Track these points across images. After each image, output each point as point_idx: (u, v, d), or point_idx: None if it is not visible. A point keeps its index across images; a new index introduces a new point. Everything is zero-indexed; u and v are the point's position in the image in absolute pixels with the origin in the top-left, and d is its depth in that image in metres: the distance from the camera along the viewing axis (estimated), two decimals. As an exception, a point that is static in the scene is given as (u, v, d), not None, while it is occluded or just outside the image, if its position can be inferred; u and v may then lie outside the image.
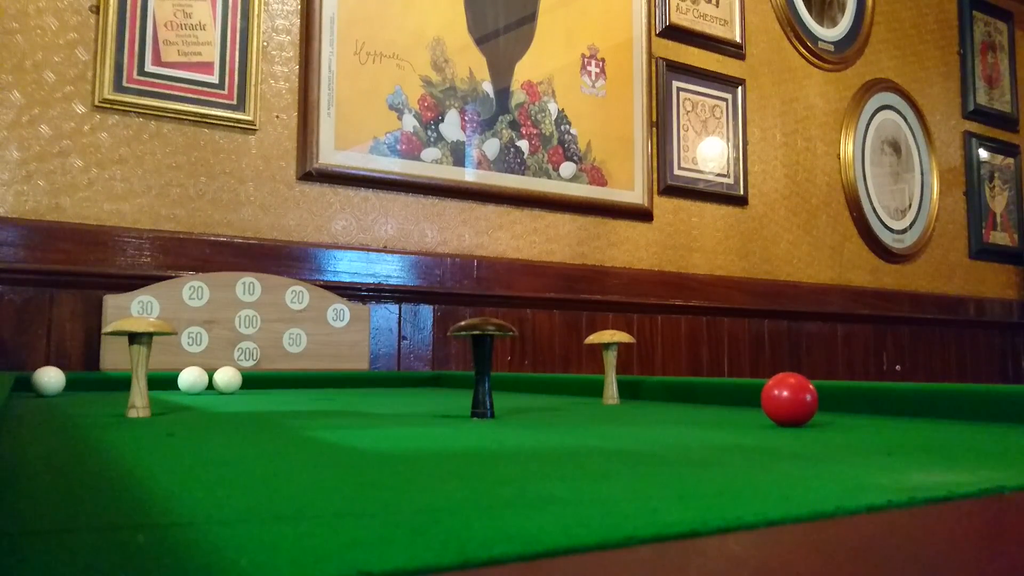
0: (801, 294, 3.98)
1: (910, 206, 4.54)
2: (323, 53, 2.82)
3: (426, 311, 2.97)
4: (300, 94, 2.80)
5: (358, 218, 2.88)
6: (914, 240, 4.51)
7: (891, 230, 4.42)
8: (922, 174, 4.62)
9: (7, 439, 0.83)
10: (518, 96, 3.24)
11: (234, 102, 2.68)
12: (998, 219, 4.98)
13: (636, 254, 3.50)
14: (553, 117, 3.31)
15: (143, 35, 2.56)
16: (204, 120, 2.63)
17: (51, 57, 2.44)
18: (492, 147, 3.16)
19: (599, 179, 3.41)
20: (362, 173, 2.86)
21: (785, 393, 0.95)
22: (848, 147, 4.26)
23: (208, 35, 2.66)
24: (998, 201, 4.99)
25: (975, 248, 4.82)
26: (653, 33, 3.64)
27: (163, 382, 1.97)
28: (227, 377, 1.87)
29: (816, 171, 4.16)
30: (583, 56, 3.42)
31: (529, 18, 3.30)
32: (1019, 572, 0.30)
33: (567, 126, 3.35)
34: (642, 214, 3.52)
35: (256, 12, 2.73)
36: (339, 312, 2.65)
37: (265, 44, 2.77)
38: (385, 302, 2.90)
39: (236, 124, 2.68)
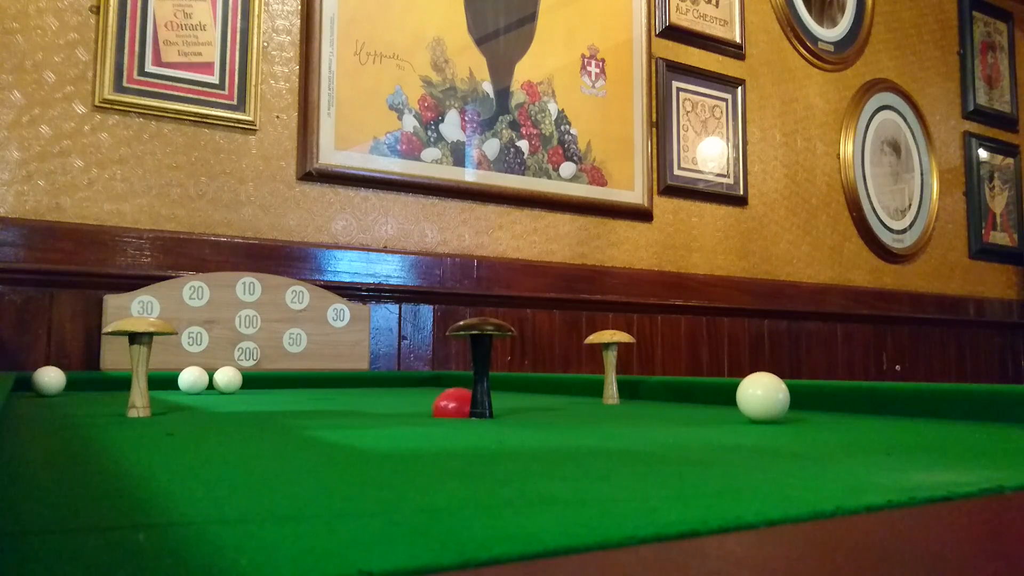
0: (801, 294, 3.98)
1: (910, 206, 4.54)
2: (323, 53, 2.82)
3: (426, 311, 2.97)
4: (300, 94, 2.80)
5: (358, 218, 2.88)
6: (914, 240, 4.51)
7: (891, 230, 4.42)
8: (922, 174, 4.62)
9: (7, 439, 0.83)
10: (518, 96, 3.24)
11: (234, 102, 2.68)
12: (998, 219, 4.98)
13: (636, 254, 3.50)
14: (553, 117, 3.31)
15: (143, 35, 2.56)
16: (204, 120, 2.63)
17: (51, 57, 2.44)
18: (492, 147, 3.16)
19: (599, 179, 3.41)
20: (362, 173, 2.86)
21: (451, 405, 1.16)
22: (848, 147, 4.26)
23: (208, 35, 2.66)
24: (998, 201, 5.00)
25: (975, 248, 4.82)
26: (653, 33, 3.64)
27: (163, 382, 1.97)
28: (227, 377, 1.87)
29: (816, 171, 4.16)
30: (583, 56, 3.42)
31: (529, 18, 3.30)
32: (1019, 572, 0.30)
33: (567, 126, 3.35)
34: (642, 214, 3.52)
35: (256, 12, 2.73)
36: (339, 312, 2.65)
37: (265, 44, 2.77)
38: (385, 302, 2.90)
39: (236, 124, 2.68)
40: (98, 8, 2.50)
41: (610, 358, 1.54)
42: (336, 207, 2.84)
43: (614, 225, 3.45)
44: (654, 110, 3.60)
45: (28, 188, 2.39)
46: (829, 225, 4.17)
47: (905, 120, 4.57)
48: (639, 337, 3.42)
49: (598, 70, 3.45)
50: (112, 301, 2.31)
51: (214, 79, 2.66)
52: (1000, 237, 4.98)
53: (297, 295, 2.58)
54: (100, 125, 2.49)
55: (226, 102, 2.67)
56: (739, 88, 3.87)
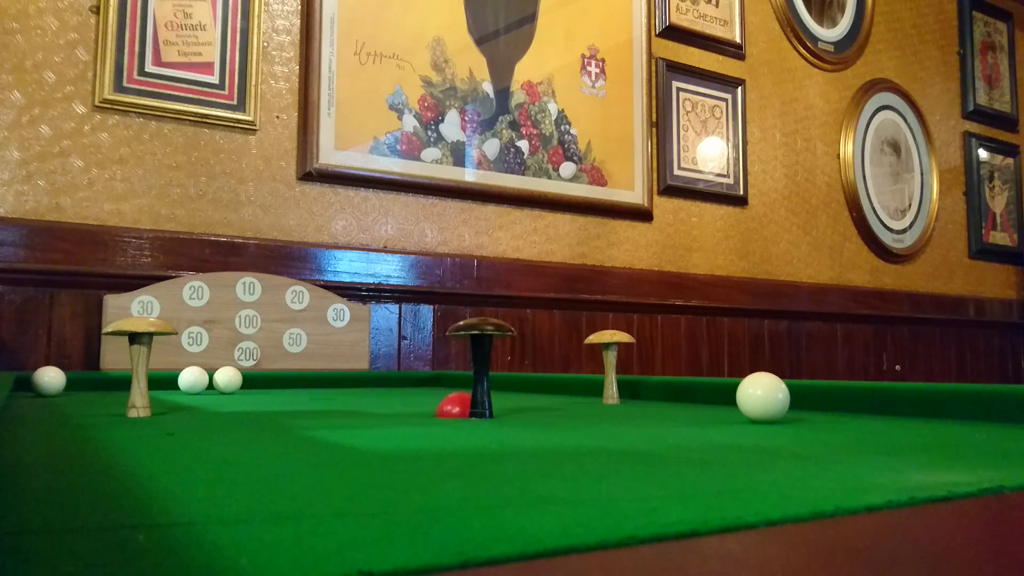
0: (801, 294, 3.98)
1: (910, 206, 4.54)
2: (323, 53, 2.82)
3: (426, 311, 2.97)
4: (300, 94, 2.80)
5: (358, 218, 2.88)
6: (914, 240, 4.51)
7: (891, 230, 4.42)
8: (922, 174, 4.62)
9: (7, 439, 0.83)
10: (518, 96, 3.24)
11: (234, 102, 2.68)
12: (998, 219, 4.98)
13: (636, 254, 3.50)
14: (553, 117, 3.32)
15: (143, 35, 2.56)
16: (204, 120, 2.63)
17: (51, 57, 2.44)
18: (492, 147, 3.16)
19: (599, 179, 3.41)
20: (362, 173, 2.86)
21: (455, 409, 1.18)
22: (848, 147, 4.26)
23: (208, 35, 2.66)
24: (998, 201, 5.00)
25: (975, 248, 4.82)
26: (653, 33, 3.64)
27: (163, 382, 1.97)
28: (227, 377, 1.87)
29: (816, 171, 4.16)
30: (583, 56, 3.42)
31: (529, 18, 3.30)
32: (1019, 572, 0.30)
33: (567, 126, 3.35)
34: (642, 214, 3.52)
35: (256, 12, 2.73)
36: (339, 312, 2.65)
37: (265, 44, 2.77)
38: (385, 302, 2.90)
39: (236, 124, 2.68)
40: (98, 8, 2.50)
41: (610, 358, 1.54)
42: (336, 207, 2.84)
43: (614, 225, 3.45)
44: (654, 110, 3.60)
45: (28, 188, 2.39)
46: (829, 225, 4.17)
47: (905, 120, 4.57)
48: (639, 337, 3.42)
49: (598, 70, 3.45)
50: (112, 301, 2.31)
51: (214, 79, 2.66)
52: (1000, 237, 4.98)
53: (297, 295, 2.58)
54: (100, 125, 2.49)
55: (226, 102, 2.67)
56: (739, 88, 3.87)
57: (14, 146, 2.38)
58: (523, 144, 3.23)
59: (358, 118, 2.88)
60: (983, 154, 4.94)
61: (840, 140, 4.26)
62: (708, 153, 3.76)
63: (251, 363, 2.47)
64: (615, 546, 0.34)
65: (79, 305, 2.40)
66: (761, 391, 1.03)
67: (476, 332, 1.12)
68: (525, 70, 3.27)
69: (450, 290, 3.00)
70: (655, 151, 3.58)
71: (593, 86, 3.43)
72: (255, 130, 2.72)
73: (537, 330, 3.19)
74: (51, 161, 2.42)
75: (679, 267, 3.61)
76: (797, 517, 0.40)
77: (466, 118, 3.11)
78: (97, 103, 2.48)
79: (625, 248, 3.48)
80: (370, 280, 2.85)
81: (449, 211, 3.06)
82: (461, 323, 1.13)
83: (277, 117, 2.77)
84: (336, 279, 2.78)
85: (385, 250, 2.91)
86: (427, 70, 3.04)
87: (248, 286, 2.51)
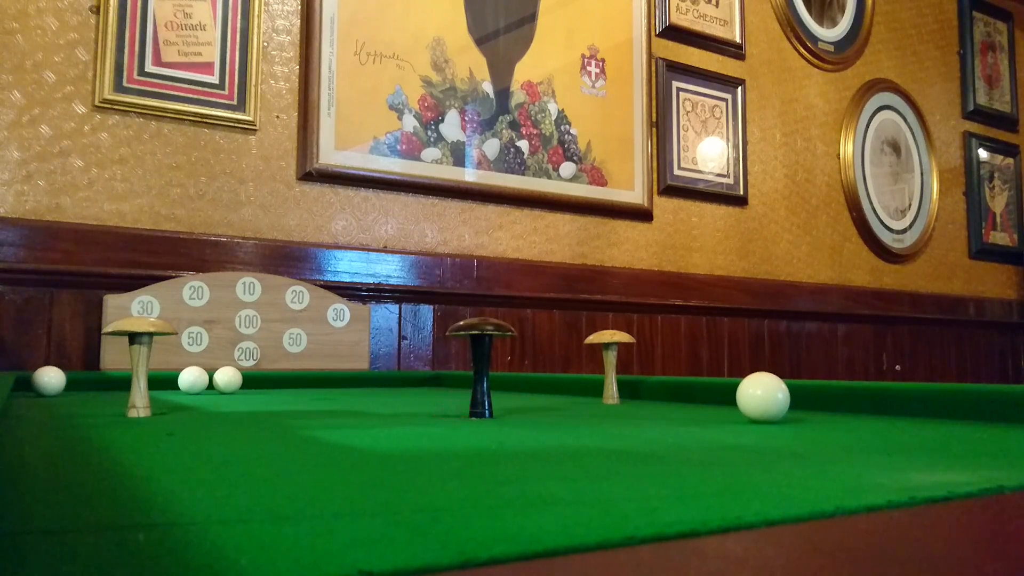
0: (801, 294, 3.98)
1: (910, 206, 4.54)
2: (323, 53, 2.82)
3: (426, 311, 2.97)
4: (300, 94, 2.80)
5: (358, 218, 2.88)
6: (914, 240, 4.51)
7: (891, 230, 4.42)
8: (922, 174, 4.62)
9: (7, 439, 0.83)
10: (518, 96, 3.24)
11: (234, 102, 2.68)
12: (998, 219, 4.98)
13: (636, 254, 3.50)
14: (553, 117, 3.31)
15: (143, 35, 2.56)
16: (204, 120, 2.63)
17: (51, 57, 2.44)
18: (492, 147, 3.16)
19: (599, 179, 3.41)
20: (362, 173, 2.86)
21: None
22: (848, 147, 4.26)
23: (208, 35, 2.66)
24: (998, 201, 5.00)
25: (975, 248, 4.82)
26: (653, 33, 3.64)
27: (163, 382, 1.97)
28: (227, 377, 1.87)
29: (816, 171, 4.16)
30: (583, 56, 3.42)
31: (529, 18, 3.30)
32: (1019, 572, 0.30)
33: (567, 126, 3.35)
34: (642, 214, 3.52)
35: (256, 12, 2.73)
36: (339, 312, 2.65)
37: (265, 44, 2.77)
38: (385, 302, 2.90)
39: (236, 124, 2.68)
40: (98, 8, 2.50)
41: (610, 358, 1.54)
42: (336, 207, 2.84)
43: (614, 225, 3.45)
44: (654, 110, 3.60)
45: (28, 188, 2.39)
46: (829, 225, 4.17)
47: (905, 120, 4.57)
48: (639, 337, 3.42)
49: (598, 70, 3.45)
50: (112, 301, 2.31)
51: (214, 79, 2.66)
52: (1000, 237, 4.98)
53: (297, 295, 2.58)
54: (100, 125, 2.49)
55: (226, 102, 2.67)
56: (739, 88, 3.87)
57: (14, 146, 2.38)
58: (523, 144, 3.23)
59: (358, 118, 2.88)
60: (983, 154, 4.94)
61: (840, 140, 4.26)
62: (708, 153, 3.76)
63: (251, 363, 2.47)
64: (615, 546, 0.34)
65: (79, 305, 2.40)
66: (761, 391, 1.03)
67: (476, 332, 1.12)
68: (525, 70, 3.27)
69: (450, 290, 3.00)
70: (655, 151, 3.58)
71: (593, 86, 3.43)
72: (255, 130, 2.72)
73: (537, 330, 3.19)
74: (51, 161, 2.42)
75: (679, 267, 3.61)
76: (797, 517, 0.40)
77: (466, 118, 3.11)
78: (97, 103, 2.48)
79: (625, 248, 3.48)
80: (370, 280, 2.85)
81: (449, 211, 3.06)
82: (461, 323, 1.13)
83: (277, 117, 2.77)
84: (336, 279, 2.78)
85: (385, 250, 2.91)
86: (427, 70, 3.04)
87: (248, 286, 2.51)
